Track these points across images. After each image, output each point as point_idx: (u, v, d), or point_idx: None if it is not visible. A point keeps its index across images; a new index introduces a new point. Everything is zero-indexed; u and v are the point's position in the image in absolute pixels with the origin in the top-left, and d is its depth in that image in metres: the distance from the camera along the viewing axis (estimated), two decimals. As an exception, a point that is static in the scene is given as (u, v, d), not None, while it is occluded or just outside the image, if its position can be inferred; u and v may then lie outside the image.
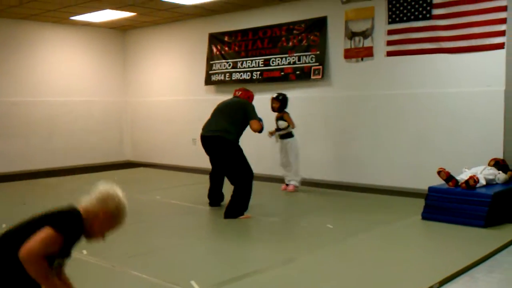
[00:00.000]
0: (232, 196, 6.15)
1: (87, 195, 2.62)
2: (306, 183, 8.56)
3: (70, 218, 2.40)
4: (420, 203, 6.12)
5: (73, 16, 10.23)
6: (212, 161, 6.68)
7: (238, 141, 6.32)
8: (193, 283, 3.91)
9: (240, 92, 6.74)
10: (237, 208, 6.11)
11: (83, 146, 11.47)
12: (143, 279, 4.05)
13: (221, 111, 6.49)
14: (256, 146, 8.70)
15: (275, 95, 7.96)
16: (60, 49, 11.24)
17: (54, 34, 11.10)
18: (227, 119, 6.32)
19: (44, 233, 2.22)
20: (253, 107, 6.44)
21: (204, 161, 10.15)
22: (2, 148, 10.02)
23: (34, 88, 10.80)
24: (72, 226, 2.37)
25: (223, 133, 6.21)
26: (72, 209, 2.51)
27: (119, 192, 2.61)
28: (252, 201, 6.36)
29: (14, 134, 10.33)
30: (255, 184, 7.59)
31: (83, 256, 4.64)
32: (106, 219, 2.49)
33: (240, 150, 6.25)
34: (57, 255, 2.31)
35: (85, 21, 10.79)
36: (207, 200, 6.89)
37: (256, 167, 9.42)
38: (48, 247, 2.21)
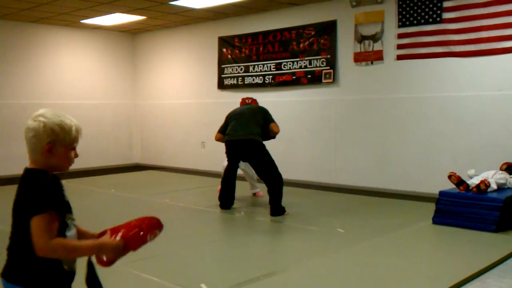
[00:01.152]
0: (274, 195, 6.45)
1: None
2: (315, 186, 8.55)
3: (39, 189, 1.95)
4: (431, 207, 6.09)
5: (84, 19, 10.29)
6: (234, 163, 6.83)
7: None
8: (203, 286, 3.91)
9: (250, 100, 7.28)
10: (281, 205, 6.45)
11: (93, 148, 11.51)
12: (154, 282, 4.06)
13: (243, 116, 6.78)
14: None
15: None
16: (71, 52, 11.31)
17: (65, 37, 11.17)
18: (254, 123, 6.69)
19: (38, 224, 1.89)
20: (269, 112, 6.95)
21: (213, 164, 10.25)
22: (13, 150, 10.06)
23: (44, 91, 10.86)
24: (47, 194, 1.95)
25: (255, 136, 6.59)
26: (29, 176, 2.04)
27: (35, 116, 2.12)
28: (258, 204, 6.38)
29: (20, 135, 10.35)
30: (259, 186, 7.62)
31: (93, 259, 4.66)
32: (48, 149, 2.02)
33: (268, 151, 6.67)
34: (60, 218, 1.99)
35: (96, 24, 10.85)
36: (217, 203, 6.90)
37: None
38: (52, 230, 1.91)
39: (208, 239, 5.57)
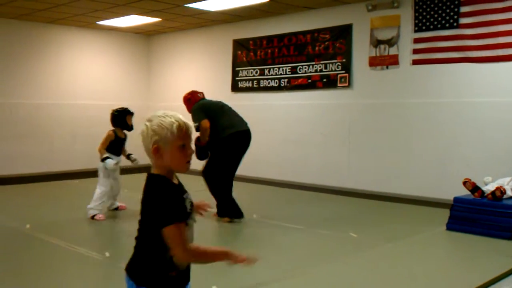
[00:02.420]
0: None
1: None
2: (329, 191, 8.51)
3: (164, 200, 1.97)
4: (445, 213, 6.04)
5: (99, 21, 10.35)
6: (238, 161, 6.47)
7: None
8: (215, 288, 3.91)
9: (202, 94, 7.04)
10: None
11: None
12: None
13: (230, 109, 6.69)
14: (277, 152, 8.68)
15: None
16: (86, 53, 11.38)
17: (80, 38, 11.24)
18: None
19: (172, 235, 1.93)
20: None
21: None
22: (27, 149, 10.15)
23: (59, 91, 10.93)
24: (171, 205, 1.96)
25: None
26: (151, 183, 2.04)
27: (148, 121, 2.09)
28: (272, 208, 6.35)
29: (39, 136, 10.45)
30: (273, 190, 7.58)
31: (104, 259, 4.67)
32: (159, 151, 2.00)
33: None
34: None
35: (111, 26, 10.91)
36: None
37: (280, 174, 9.45)
38: (182, 239, 1.95)
39: (219, 241, 5.55)
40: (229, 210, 6.31)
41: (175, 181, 2.08)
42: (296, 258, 4.85)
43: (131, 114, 6.81)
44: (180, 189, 2.06)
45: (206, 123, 6.31)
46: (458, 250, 5.33)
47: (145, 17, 9.86)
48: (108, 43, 11.66)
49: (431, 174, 7.68)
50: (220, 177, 6.35)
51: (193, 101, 6.77)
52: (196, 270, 4.50)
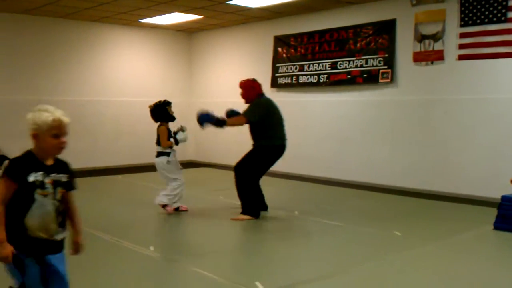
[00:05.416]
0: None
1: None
2: (371, 188, 8.42)
3: (14, 159, 2.57)
4: (492, 212, 5.88)
5: (142, 18, 10.50)
6: (268, 169, 6.46)
7: None
8: (258, 284, 3.91)
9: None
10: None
11: (147, 145, 11.69)
12: (210, 278, 4.08)
13: (282, 118, 6.48)
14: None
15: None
16: (129, 51, 11.57)
17: (124, 36, 11.43)
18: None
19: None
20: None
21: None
22: (72, 145, 10.35)
23: (103, 88, 11.16)
24: (13, 164, 2.53)
25: None
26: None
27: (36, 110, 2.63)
28: (313, 205, 6.31)
29: (84, 132, 10.68)
30: (314, 187, 7.53)
31: (150, 252, 4.73)
32: (34, 137, 2.56)
33: None
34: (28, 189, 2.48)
35: (154, 23, 11.05)
36: (271, 202, 6.84)
37: (315, 170, 9.40)
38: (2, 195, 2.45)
39: (263, 238, 5.56)
40: (252, 209, 6.25)
41: (46, 162, 2.59)
42: (339, 256, 4.81)
43: (171, 104, 6.79)
44: (35, 163, 2.54)
45: (243, 120, 6.30)
46: (505, 249, 5.19)
47: (187, 14, 9.94)
48: (150, 41, 11.82)
49: (478, 172, 7.50)
50: (250, 177, 6.32)
51: (257, 91, 6.53)
52: (240, 266, 4.53)
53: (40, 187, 2.52)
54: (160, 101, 6.74)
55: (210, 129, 11.92)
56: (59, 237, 2.61)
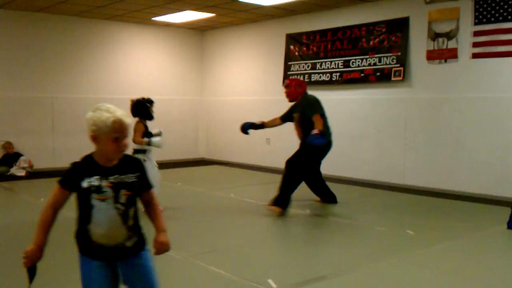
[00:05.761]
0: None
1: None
2: (383, 187, 8.38)
3: (72, 164, 2.42)
4: (506, 211, 5.84)
5: (154, 16, 10.52)
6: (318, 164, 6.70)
7: None
8: (270, 281, 3.90)
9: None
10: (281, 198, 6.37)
11: (161, 143, 11.76)
12: (221, 275, 4.08)
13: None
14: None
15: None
16: (141, 49, 11.60)
17: (136, 34, 11.47)
18: None
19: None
20: None
21: (277, 161, 10.22)
22: (84, 143, 10.43)
23: (115, 86, 11.20)
24: (67, 171, 2.40)
25: None
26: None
27: (95, 109, 2.44)
28: (326, 203, 6.29)
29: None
30: (330, 185, 7.51)
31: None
32: (94, 138, 2.37)
33: None
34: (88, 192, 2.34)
35: (166, 21, 11.07)
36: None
37: (330, 168, 9.38)
38: (54, 198, 2.39)
39: (274, 235, 5.55)
40: (285, 203, 6.31)
41: (106, 163, 2.39)
42: (352, 254, 4.79)
43: (153, 103, 6.67)
44: (92, 167, 2.37)
45: (321, 118, 6.37)
46: (520, 250, 5.14)
47: (199, 12, 9.95)
48: (162, 39, 11.85)
49: (491, 171, 7.44)
50: (299, 173, 6.42)
51: (303, 89, 6.64)
52: (252, 263, 4.52)
53: (97, 192, 2.33)
54: (143, 98, 6.63)
55: (221, 126, 11.98)
56: (129, 243, 2.40)
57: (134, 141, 6.31)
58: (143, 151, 6.38)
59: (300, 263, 4.58)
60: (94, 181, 2.32)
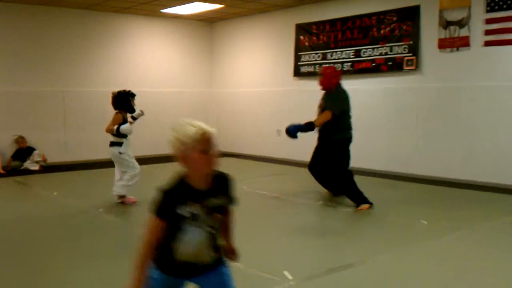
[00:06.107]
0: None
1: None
2: (396, 177, 8.35)
3: (164, 193, 2.23)
4: (521, 201, 5.80)
5: (163, 9, 10.50)
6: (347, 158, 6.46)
7: None
8: (286, 273, 3.91)
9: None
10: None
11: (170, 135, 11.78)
12: (236, 268, 4.08)
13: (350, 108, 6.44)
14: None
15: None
16: (150, 41, 11.60)
17: (145, 26, 11.46)
18: None
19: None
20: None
21: (288, 152, 10.24)
22: (96, 136, 10.47)
23: (125, 79, 11.19)
24: (162, 199, 2.22)
25: None
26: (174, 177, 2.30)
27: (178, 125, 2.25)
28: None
29: (107, 123, 10.75)
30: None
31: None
32: (183, 158, 2.20)
33: None
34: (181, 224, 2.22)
35: (175, 13, 11.05)
36: (295, 191, 6.85)
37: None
38: (152, 232, 2.23)
39: (287, 227, 5.55)
40: (362, 198, 6.16)
41: (200, 185, 2.24)
42: (366, 245, 4.79)
43: (134, 96, 6.59)
44: (188, 192, 2.22)
45: (330, 116, 6.14)
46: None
47: (208, 4, 9.92)
48: (171, 31, 11.84)
49: (503, 160, 7.40)
50: (343, 173, 6.27)
51: (337, 80, 6.39)
52: (268, 255, 4.52)
53: (193, 219, 2.22)
54: (125, 90, 6.58)
55: (231, 118, 11.97)
56: (211, 260, 2.35)
57: (105, 129, 6.32)
58: (119, 144, 6.36)
59: (315, 254, 4.58)
60: (192, 208, 2.21)
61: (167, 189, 2.21)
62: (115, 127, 6.30)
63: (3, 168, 9.26)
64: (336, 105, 6.20)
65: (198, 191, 2.22)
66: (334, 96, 6.31)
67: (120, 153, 6.38)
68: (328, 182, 6.79)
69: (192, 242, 2.25)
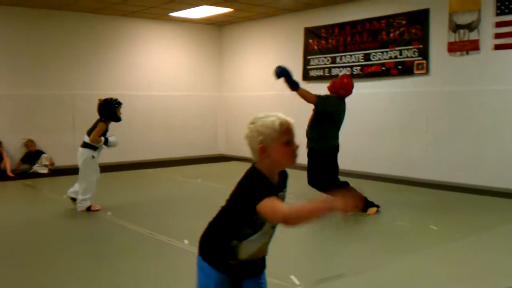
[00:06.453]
0: None
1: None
2: (405, 181, 8.29)
3: (256, 183, 2.08)
4: (531, 206, 5.73)
5: (171, 12, 10.52)
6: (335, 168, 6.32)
7: None
8: (293, 278, 3.88)
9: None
10: None
11: (180, 139, 11.81)
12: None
13: (341, 120, 6.33)
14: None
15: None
16: (159, 45, 11.62)
17: (153, 30, 11.48)
18: None
19: (266, 208, 2.02)
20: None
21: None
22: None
23: (134, 82, 11.24)
24: (262, 186, 2.06)
25: None
26: (251, 173, 2.16)
27: (259, 116, 2.18)
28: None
29: (116, 126, 10.76)
30: (349, 181, 7.42)
31: (185, 246, 4.74)
32: (264, 150, 2.08)
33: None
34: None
35: (183, 17, 11.07)
36: (303, 194, 6.76)
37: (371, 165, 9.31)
38: (280, 205, 2.05)
39: (296, 231, 5.50)
40: (367, 201, 6.07)
41: (274, 180, 2.15)
42: (374, 251, 4.74)
43: (121, 104, 6.50)
44: (272, 186, 2.11)
45: (312, 97, 6.03)
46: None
47: (217, 7, 9.92)
48: (180, 35, 11.86)
49: (514, 165, 7.32)
50: (332, 181, 6.15)
51: (343, 92, 6.29)
52: (275, 260, 4.50)
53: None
54: (111, 98, 6.46)
55: (240, 122, 11.96)
56: (263, 258, 2.30)
57: (91, 138, 6.24)
58: (94, 148, 6.31)
59: (322, 259, 4.55)
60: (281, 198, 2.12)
61: (250, 182, 2.11)
62: (103, 138, 6.29)
63: (12, 171, 9.31)
64: (323, 100, 6.07)
65: (273, 185, 2.14)
66: (327, 95, 6.26)
67: (93, 157, 6.31)
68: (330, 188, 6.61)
69: (261, 239, 2.17)
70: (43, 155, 9.77)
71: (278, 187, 2.16)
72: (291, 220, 2.00)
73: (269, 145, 2.08)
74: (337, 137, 6.28)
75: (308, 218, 2.05)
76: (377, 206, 6.13)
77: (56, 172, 9.56)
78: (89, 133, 6.32)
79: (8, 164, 9.32)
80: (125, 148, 10.87)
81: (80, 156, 6.30)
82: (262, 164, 2.13)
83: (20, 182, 8.60)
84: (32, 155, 9.78)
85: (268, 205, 2.01)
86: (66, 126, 10.37)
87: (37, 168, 9.61)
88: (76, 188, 6.40)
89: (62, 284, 3.93)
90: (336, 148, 6.26)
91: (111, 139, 6.38)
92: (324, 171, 6.15)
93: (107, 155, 10.49)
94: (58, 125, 10.31)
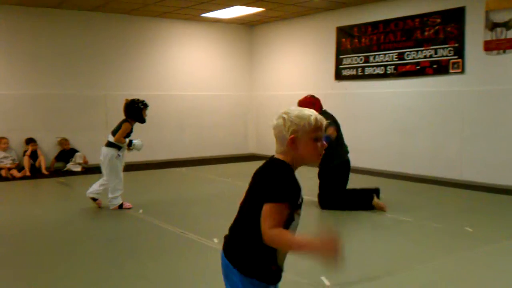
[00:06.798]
0: None
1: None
2: (439, 182, 8.13)
3: (282, 176, 2.00)
4: None
5: (204, 13, 10.56)
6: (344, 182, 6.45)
7: None
8: (323, 279, 3.83)
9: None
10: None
11: (210, 138, 11.85)
12: (274, 272, 4.03)
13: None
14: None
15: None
16: (191, 45, 11.68)
17: (186, 31, 11.55)
18: None
19: (269, 211, 1.94)
20: None
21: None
22: (136, 139, 10.60)
23: (166, 82, 11.32)
24: (288, 182, 2.00)
25: None
26: (275, 165, 2.08)
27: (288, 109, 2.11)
28: (382, 200, 6.18)
29: (148, 125, 10.83)
30: (379, 181, 7.35)
31: (214, 244, 4.74)
32: (294, 142, 2.03)
33: None
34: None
35: (215, 17, 11.10)
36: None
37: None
38: (279, 220, 1.95)
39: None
40: (366, 195, 6.24)
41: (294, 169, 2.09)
42: (407, 252, 4.65)
43: (147, 106, 6.53)
44: (300, 190, 2.06)
45: (334, 131, 6.16)
46: None
47: (248, 7, 9.92)
48: (212, 35, 11.90)
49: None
50: (340, 196, 6.34)
51: (318, 107, 6.45)
52: (305, 260, 4.45)
53: (300, 207, 2.07)
54: (138, 99, 6.48)
55: (271, 121, 11.90)
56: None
57: (116, 138, 6.26)
58: (119, 147, 6.34)
59: (354, 261, 4.47)
60: (300, 199, 2.05)
61: (281, 175, 2.01)
62: (127, 140, 6.33)
63: (47, 169, 9.48)
64: (334, 125, 6.21)
65: (300, 188, 2.06)
66: (330, 115, 6.36)
67: (118, 155, 6.35)
68: (344, 204, 6.43)
69: (294, 230, 2.07)
70: (77, 154, 9.92)
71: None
72: (269, 240, 1.95)
73: (300, 137, 2.03)
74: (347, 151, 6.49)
75: (285, 250, 2.05)
76: (377, 190, 6.32)
77: (89, 170, 9.68)
78: (114, 133, 6.37)
79: (42, 162, 9.49)
80: (156, 147, 10.99)
81: (105, 156, 6.35)
82: (287, 157, 2.06)
83: (54, 180, 8.75)
84: (66, 153, 9.94)
85: (272, 211, 1.94)
86: (99, 125, 10.50)
87: (71, 166, 9.76)
88: (94, 188, 6.46)
89: (96, 281, 3.96)
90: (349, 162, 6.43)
91: (135, 142, 6.43)
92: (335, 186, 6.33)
93: (138, 154, 10.58)
94: (91, 124, 10.45)
